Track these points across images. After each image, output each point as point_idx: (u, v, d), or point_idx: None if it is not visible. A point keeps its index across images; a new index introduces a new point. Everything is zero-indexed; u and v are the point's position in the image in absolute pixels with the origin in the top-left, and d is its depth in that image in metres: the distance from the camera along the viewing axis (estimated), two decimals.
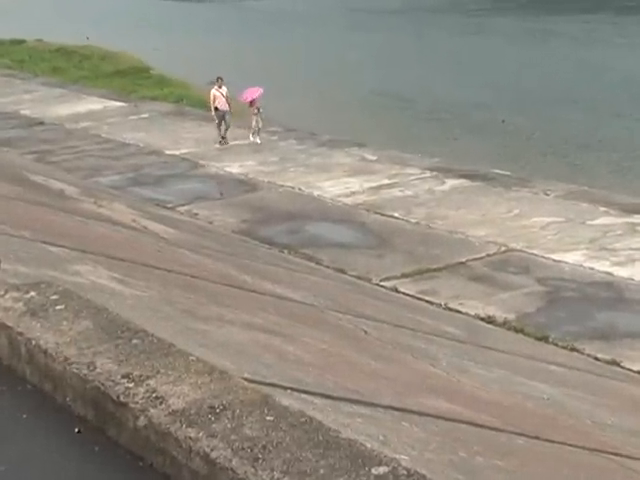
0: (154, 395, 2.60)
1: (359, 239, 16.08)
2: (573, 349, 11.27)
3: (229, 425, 2.43)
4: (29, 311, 3.22)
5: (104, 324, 3.11)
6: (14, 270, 4.28)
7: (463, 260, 14.69)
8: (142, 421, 2.54)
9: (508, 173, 20.51)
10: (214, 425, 2.43)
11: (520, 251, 15.07)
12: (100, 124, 26.75)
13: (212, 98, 23.62)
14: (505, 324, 11.97)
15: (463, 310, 12.49)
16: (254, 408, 2.51)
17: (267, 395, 2.63)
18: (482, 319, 12.12)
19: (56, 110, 29.02)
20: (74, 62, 39.28)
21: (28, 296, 3.36)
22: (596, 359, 11.02)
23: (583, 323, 12.36)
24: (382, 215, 17.24)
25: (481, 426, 4.13)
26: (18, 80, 35.44)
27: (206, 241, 12.14)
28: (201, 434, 2.40)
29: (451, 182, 19.54)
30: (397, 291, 13.21)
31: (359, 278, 13.65)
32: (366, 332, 6.44)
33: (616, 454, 5.04)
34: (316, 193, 18.90)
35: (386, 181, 19.68)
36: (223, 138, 23.44)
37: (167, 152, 23.00)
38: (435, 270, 14.24)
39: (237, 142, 23.37)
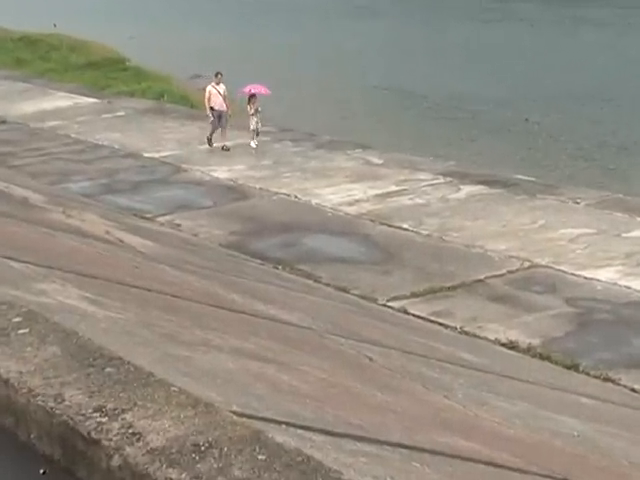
0: (130, 431, 2.60)
1: (363, 253, 16.10)
2: (607, 379, 11.27)
3: (215, 465, 2.42)
4: None
5: (74, 350, 3.11)
6: None
7: (481, 277, 14.72)
8: (116, 461, 2.54)
9: (532, 179, 20.57)
10: (198, 465, 2.43)
11: (546, 267, 15.10)
12: (69, 123, 26.84)
13: (207, 95, 23.54)
14: (529, 350, 11.98)
15: (481, 334, 12.51)
16: (244, 446, 2.51)
17: (259, 431, 2.63)
18: (503, 344, 12.14)
19: (20, 107, 29.12)
20: (40, 53, 39.41)
21: None
22: (633, 390, 11.03)
23: (618, 349, 12.38)
24: (389, 226, 17.28)
25: (502, 466, 4.13)
26: None
27: (190, 256, 12.16)
28: (184, 475, 2.39)
29: (467, 189, 19.58)
30: (406, 312, 13.22)
31: (363, 298, 13.66)
32: (371, 359, 6.44)
33: None
34: (314, 201, 18.94)
35: (394, 188, 19.73)
36: (209, 140, 23.42)
37: (146, 155, 23.06)
38: (449, 289, 14.26)
39: (225, 143, 23.40)
